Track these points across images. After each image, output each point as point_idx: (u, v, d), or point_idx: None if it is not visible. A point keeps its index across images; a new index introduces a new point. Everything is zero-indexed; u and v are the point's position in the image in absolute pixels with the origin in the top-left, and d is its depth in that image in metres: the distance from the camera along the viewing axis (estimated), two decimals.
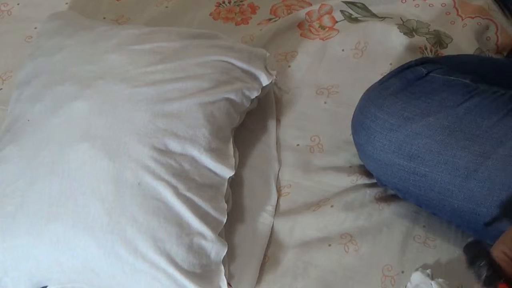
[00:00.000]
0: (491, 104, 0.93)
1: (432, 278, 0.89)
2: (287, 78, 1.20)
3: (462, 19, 1.26)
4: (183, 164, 0.94)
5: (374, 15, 1.28)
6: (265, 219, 1.01)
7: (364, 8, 1.29)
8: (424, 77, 0.98)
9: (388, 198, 1.03)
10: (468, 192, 0.90)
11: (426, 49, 1.20)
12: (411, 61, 1.03)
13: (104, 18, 1.35)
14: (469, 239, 0.80)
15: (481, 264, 0.75)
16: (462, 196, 0.90)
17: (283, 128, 1.13)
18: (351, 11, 1.28)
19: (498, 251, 0.76)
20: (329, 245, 0.98)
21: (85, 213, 0.90)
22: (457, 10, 1.27)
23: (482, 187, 0.89)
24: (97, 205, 0.90)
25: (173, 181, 0.92)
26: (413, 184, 0.95)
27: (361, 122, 0.98)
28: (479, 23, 1.24)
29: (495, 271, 0.75)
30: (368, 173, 1.04)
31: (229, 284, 0.93)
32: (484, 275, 0.75)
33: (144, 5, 1.37)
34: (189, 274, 0.89)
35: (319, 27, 1.27)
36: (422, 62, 1.02)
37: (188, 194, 0.92)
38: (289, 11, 1.32)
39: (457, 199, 0.91)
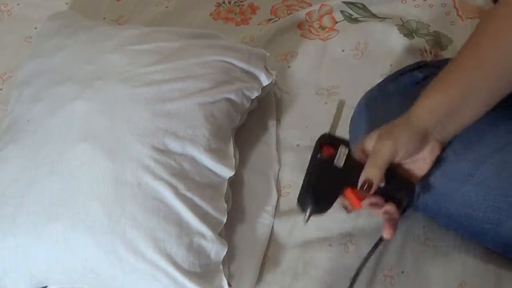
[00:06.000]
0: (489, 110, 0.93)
1: None
2: (287, 78, 1.20)
3: (462, 20, 1.26)
4: (183, 164, 0.94)
5: (374, 16, 1.28)
6: (265, 219, 1.01)
7: (364, 8, 1.29)
8: (420, 82, 0.98)
9: None
10: (464, 196, 0.89)
11: (426, 51, 1.20)
12: (408, 66, 1.02)
13: (104, 18, 1.35)
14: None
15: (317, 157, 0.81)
16: (458, 200, 0.90)
17: (283, 128, 1.13)
18: (351, 12, 1.29)
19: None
20: (329, 245, 0.98)
21: (85, 213, 0.90)
22: (457, 11, 1.27)
23: (478, 192, 0.88)
24: (97, 205, 0.90)
25: (173, 181, 0.92)
26: None
27: (358, 127, 0.98)
28: None
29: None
30: None
31: (229, 284, 0.93)
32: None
33: (144, 5, 1.38)
34: (189, 273, 0.89)
35: (319, 28, 1.27)
36: (419, 66, 1.01)
37: (188, 194, 0.92)
38: (289, 12, 1.32)
39: (453, 204, 0.90)
